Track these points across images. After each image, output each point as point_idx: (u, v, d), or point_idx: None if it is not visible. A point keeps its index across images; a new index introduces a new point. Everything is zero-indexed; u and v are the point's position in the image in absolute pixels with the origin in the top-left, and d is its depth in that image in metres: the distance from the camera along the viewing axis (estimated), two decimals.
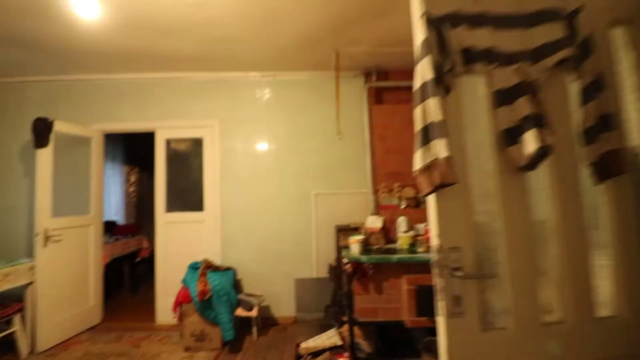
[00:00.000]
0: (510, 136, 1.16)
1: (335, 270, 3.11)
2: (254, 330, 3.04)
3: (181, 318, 2.90)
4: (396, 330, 2.63)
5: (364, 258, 2.36)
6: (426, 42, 1.13)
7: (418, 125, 1.12)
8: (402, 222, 2.81)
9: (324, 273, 3.39)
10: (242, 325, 3.07)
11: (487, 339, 1.06)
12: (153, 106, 3.54)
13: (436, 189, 1.07)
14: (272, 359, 2.66)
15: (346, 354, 2.43)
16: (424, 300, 2.40)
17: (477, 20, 1.19)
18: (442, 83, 1.14)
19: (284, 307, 3.40)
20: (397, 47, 2.94)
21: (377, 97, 3.45)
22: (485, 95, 1.22)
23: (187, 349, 2.82)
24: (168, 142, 3.58)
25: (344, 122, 3.37)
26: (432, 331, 2.45)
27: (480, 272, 1.10)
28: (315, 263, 3.42)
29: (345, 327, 2.64)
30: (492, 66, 1.21)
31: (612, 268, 1.12)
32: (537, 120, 1.09)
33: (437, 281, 1.08)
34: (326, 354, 2.46)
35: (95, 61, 3.18)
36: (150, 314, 3.45)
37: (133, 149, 6.03)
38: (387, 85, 3.42)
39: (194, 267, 3.08)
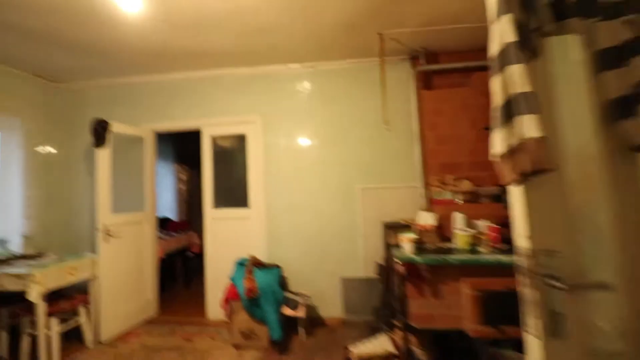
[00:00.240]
0: (623, 107, 0.89)
1: (385, 270, 2.91)
2: (301, 330, 2.96)
3: (230, 315, 2.91)
4: (456, 339, 2.38)
5: (418, 259, 2.14)
6: None
7: (497, 100, 0.90)
8: (459, 219, 2.53)
9: (371, 272, 3.21)
10: (289, 325, 3.00)
11: None
12: (198, 104, 3.60)
13: (525, 177, 0.85)
14: None
15: None
16: (490, 308, 2.12)
17: None
18: (527, 46, 0.90)
19: (331, 307, 3.28)
20: (447, 24, 2.65)
21: (425, 82, 3.17)
22: (582, 59, 0.96)
23: (236, 346, 2.82)
24: (213, 140, 3.63)
25: (390, 111, 3.14)
26: (497, 342, 2.17)
27: (587, 282, 0.86)
28: (363, 262, 3.25)
29: (398, 333, 2.44)
30: (592, 20, 0.95)
31: None
32: None
33: (528, 293, 0.86)
34: None
35: (144, 63, 3.30)
36: (201, 309, 3.53)
37: (183, 148, 6.32)
38: (437, 69, 3.12)
39: (241, 263, 3.08)
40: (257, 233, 3.44)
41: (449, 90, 3.02)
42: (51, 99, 3.72)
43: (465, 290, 2.18)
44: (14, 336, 2.71)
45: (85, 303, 2.90)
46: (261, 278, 2.83)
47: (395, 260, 2.22)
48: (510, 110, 0.86)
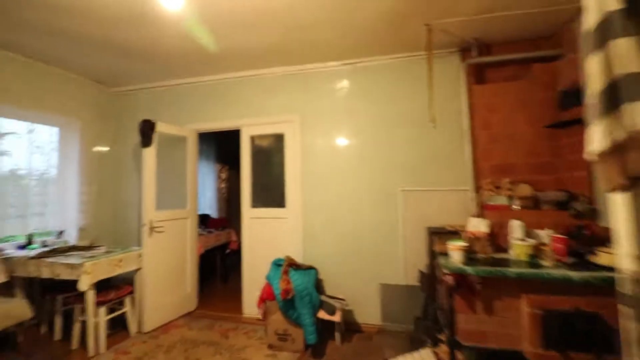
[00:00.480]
0: None
1: (428, 278, 2.71)
2: (337, 335, 2.85)
3: (265, 315, 2.88)
4: None
5: (469, 270, 1.93)
6: None
7: (595, 84, 0.72)
8: (516, 227, 2.27)
9: (413, 280, 3.02)
10: (324, 329, 2.91)
11: None
12: (238, 104, 3.63)
13: (635, 181, 0.66)
14: None
15: None
16: (553, 329, 1.86)
17: None
18: (637, 15, 0.71)
19: (368, 314, 3.14)
20: (503, 10, 2.39)
21: (477, 75, 2.91)
22: None
23: (270, 346, 2.78)
24: (252, 139, 3.64)
25: (436, 108, 2.92)
26: None
27: None
28: (403, 268, 3.06)
29: (443, 348, 2.24)
30: None
31: None
32: None
33: (632, 327, 0.68)
34: None
35: (187, 65, 3.39)
36: (238, 305, 3.56)
37: (224, 148, 6.49)
38: (491, 61, 2.85)
39: (277, 263, 3.04)
40: (293, 233, 3.39)
41: (504, 84, 2.74)
42: (105, 102, 3.97)
43: (524, 308, 1.94)
44: (68, 321, 2.90)
45: (131, 294, 3.03)
46: (297, 279, 2.77)
47: (443, 270, 2.03)
48: (616, 95, 0.68)
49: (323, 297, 2.97)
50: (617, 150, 0.67)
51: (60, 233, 3.44)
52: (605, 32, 0.71)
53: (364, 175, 3.22)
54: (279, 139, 3.55)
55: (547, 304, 1.89)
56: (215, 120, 3.71)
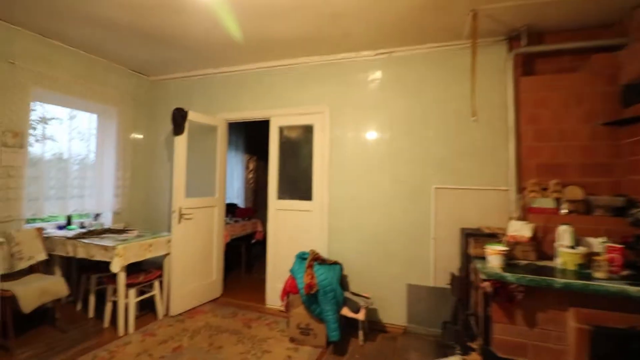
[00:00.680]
0: None
1: (460, 282, 2.56)
2: (360, 334, 2.77)
3: (288, 307, 2.85)
4: None
5: (510, 277, 1.78)
6: None
7: None
8: (564, 233, 2.07)
9: (442, 282, 2.87)
10: (347, 325, 2.84)
11: None
12: (268, 94, 3.60)
13: None
14: None
15: None
16: (603, 348, 1.68)
17: None
18: None
19: (393, 314, 3.03)
20: None
21: (526, 66, 2.67)
22: None
23: (292, 340, 2.75)
24: (281, 130, 3.60)
25: (478, 101, 2.71)
26: None
27: None
28: (433, 269, 2.92)
29: (474, 357, 2.10)
30: None
31: None
32: None
33: None
34: None
35: (218, 55, 3.38)
36: (261, 295, 3.57)
37: (253, 139, 6.53)
38: (542, 50, 2.60)
39: (301, 257, 3.00)
40: (318, 227, 3.33)
41: (557, 76, 2.49)
42: (140, 90, 4.07)
43: (570, 322, 1.76)
44: (101, 300, 3.02)
45: (159, 278, 3.10)
46: (322, 274, 2.71)
47: (481, 275, 1.88)
48: None
49: (347, 294, 2.90)
50: None
51: (97, 216, 3.59)
52: None
53: (395, 171, 3.09)
54: (307, 130, 3.48)
55: (598, 320, 1.70)
56: (245, 110, 3.70)
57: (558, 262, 2.03)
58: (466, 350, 2.26)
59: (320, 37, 2.92)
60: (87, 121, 3.59)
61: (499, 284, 1.81)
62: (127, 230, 3.39)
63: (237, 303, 3.55)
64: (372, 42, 3.00)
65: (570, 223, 2.11)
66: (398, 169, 3.08)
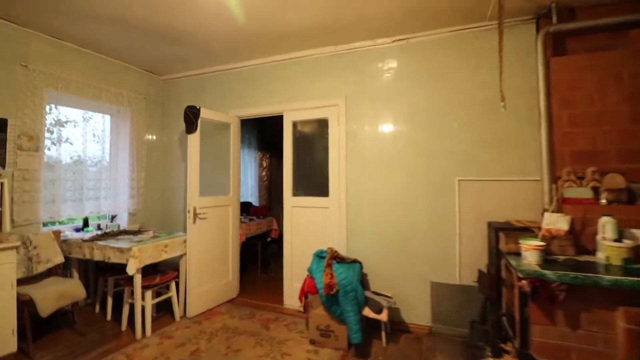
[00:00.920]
0: None
1: (490, 279, 2.40)
2: (383, 335, 2.65)
3: (306, 308, 2.76)
4: None
5: (551, 275, 1.62)
6: None
7: None
8: (607, 225, 1.89)
9: (469, 280, 2.72)
10: (369, 326, 2.73)
11: None
12: (280, 89, 3.50)
13: None
14: None
15: None
16: None
17: None
18: None
19: (417, 313, 2.90)
20: None
21: (557, 46, 2.48)
22: None
23: (312, 342, 2.65)
24: (295, 125, 3.49)
25: (505, 86, 2.53)
26: None
27: None
28: (458, 266, 2.77)
29: None
30: None
31: None
32: None
33: None
34: None
35: (228, 50, 3.31)
36: (278, 295, 3.49)
37: (266, 136, 6.47)
38: (575, 27, 2.40)
39: (319, 255, 2.89)
40: (336, 224, 3.22)
41: (593, 55, 2.29)
42: (153, 90, 4.05)
43: (620, 323, 1.59)
44: (119, 302, 3.00)
45: (176, 279, 3.06)
46: (341, 274, 2.60)
47: (518, 273, 1.73)
48: None
49: (368, 293, 2.78)
50: None
51: (113, 217, 3.58)
52: None
53: (415, 163, 2.94)
54: (322, 124, 3.37)
55: None
56: (257, 105, 3.61)
57: (600, 257, 1.86)
58: (498, 353, 2.11)
59: (335, 25, 2.79)
60: (101, 123, 3.58)
61: (538, 283, 1.66)
62: (143, 231, 3.36)
63: (255, 303, 3.48)
64: (389, 27, 2.85)
65: (611, 214, 1.93)
66: (419, 161, 2.93)
